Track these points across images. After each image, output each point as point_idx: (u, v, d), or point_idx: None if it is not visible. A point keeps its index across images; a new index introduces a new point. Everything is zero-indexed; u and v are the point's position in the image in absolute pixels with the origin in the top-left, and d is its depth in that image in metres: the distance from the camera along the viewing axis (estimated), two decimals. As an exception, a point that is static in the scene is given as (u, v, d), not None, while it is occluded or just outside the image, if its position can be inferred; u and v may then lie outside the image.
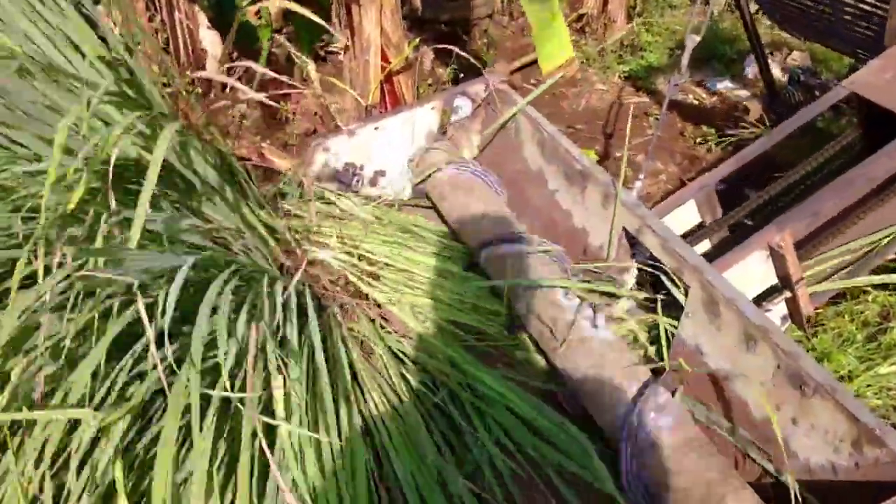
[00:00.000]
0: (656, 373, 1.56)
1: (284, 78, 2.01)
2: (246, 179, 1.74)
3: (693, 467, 1.35)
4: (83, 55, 1.60)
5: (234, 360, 1.14)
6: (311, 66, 2.49)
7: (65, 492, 1.10)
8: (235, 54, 3.95)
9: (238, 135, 3.21)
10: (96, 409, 1.09)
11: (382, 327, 1.73)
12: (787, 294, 1.75)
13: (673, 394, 1.48)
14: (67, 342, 1.10)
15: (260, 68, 1.88)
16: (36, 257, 1.11)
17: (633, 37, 4.72)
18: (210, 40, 3.66)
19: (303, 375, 1.31)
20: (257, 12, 3.54)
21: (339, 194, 2.05)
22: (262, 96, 1.77)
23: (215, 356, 1.16)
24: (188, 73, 3.54)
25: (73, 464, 1.06)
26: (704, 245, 2.25)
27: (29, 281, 1.14)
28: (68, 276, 1.09)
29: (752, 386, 1.41)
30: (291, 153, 2.89)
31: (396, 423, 1.47)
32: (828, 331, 2.38)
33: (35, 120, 1.44)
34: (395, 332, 1.73)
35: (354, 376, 1.55)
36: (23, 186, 1.33)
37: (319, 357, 1.36)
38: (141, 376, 1.17)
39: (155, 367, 1.06)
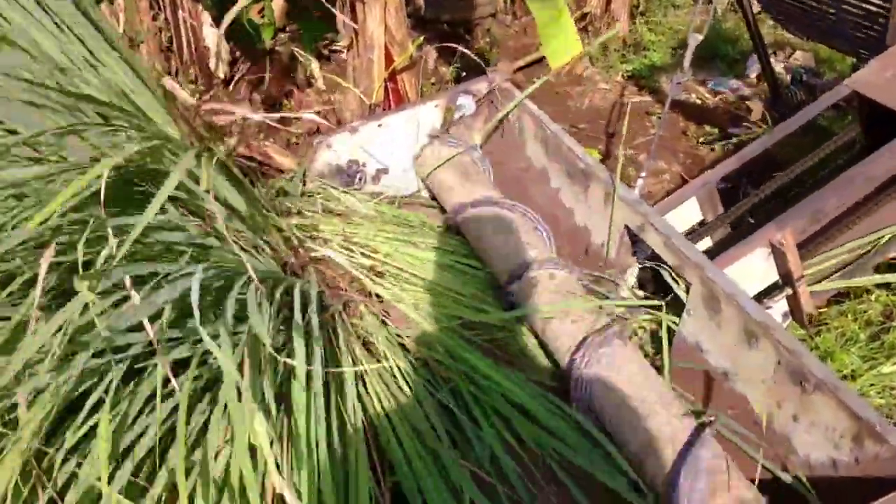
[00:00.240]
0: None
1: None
2: (248, 178, 1.75)
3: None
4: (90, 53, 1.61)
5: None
6: (314, 65, 2.51)
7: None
8: (238, 53, 3.96)
9: (241, 133, 3.22)
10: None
11: (385, 322, 1.74)
12: (788, 291, 1.76)
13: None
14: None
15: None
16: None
17: (637, 36, 4.73)
18: (213, 39, 3.67)
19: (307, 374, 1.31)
20: (260, 10, 3.55)
21: (343, 191, 2.06)
22: (275, 115, 1.80)
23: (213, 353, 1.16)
24: (191, 72, 3.56)
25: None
26: (706, 242, 2.26)
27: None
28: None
29: (752, 383, 1.41)
30: (295, 151, 2.90)
31: (400, 417, 1.48)
32: (831, 330, 2.38)
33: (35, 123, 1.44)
34: (398, 328, 1.74)
35: (358, 372, 1.56)
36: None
37: (321, 352, 1.37)
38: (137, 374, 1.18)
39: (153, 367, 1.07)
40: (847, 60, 4.01)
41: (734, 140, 3.55)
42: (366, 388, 1.55)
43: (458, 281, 1.86)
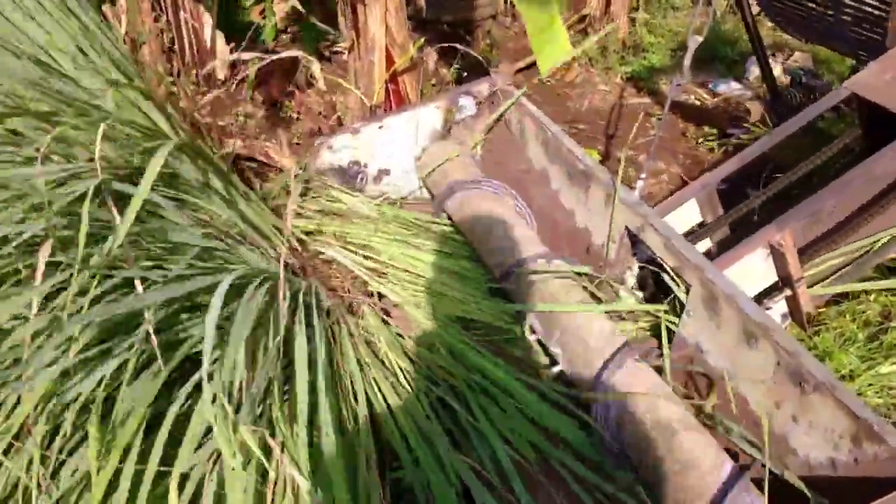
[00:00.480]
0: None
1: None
2: (249, 179, 1.76)
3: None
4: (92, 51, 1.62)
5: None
6: (315, 66, 2.51)
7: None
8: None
9: (243, 135, 3.23)
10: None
11: (386, 323, 1.75)
12: (788, 292, 1.77)
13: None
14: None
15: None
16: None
17: (636, 38, 4.74)
18: (215, 40, 3.68)
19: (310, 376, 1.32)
20: (262, 12, 3.56)
21: (344, 192, 2.07)
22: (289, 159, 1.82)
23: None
24: (193, 72, 3.57)
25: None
26: (705, 244, 2.27)
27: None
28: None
29: (751, 383, 1.42)
30: (296, 153, 2.91)
31: (403, 415, 1.49)
32: (829, 330, 2.39)
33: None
34: (401, 329, 1.75)
35: (362, 372, 1.57)
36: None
37: (326, 353, 1.38)
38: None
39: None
40: (846, 62, 4.02)
41: (733, 141, 3.56)
42: (368, 387, 1.55)
43: (459, 282, 1.87)
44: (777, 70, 4.09)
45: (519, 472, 1.44)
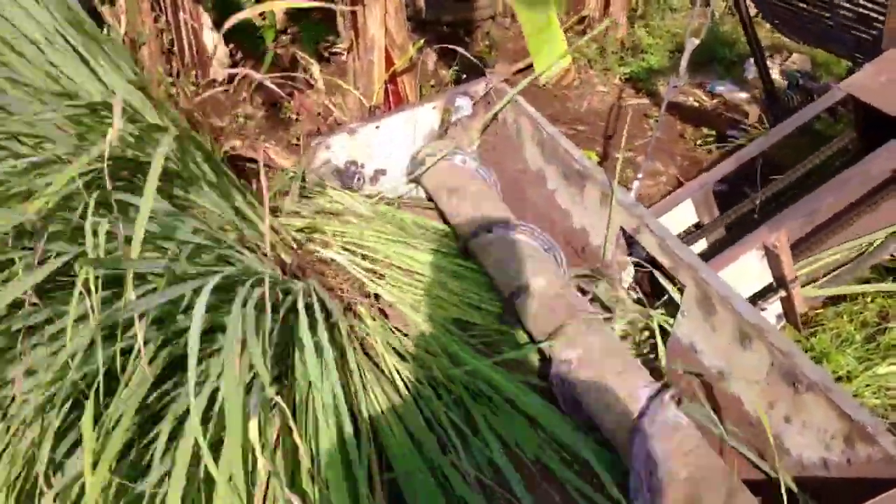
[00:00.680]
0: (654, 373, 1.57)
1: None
2: (247, 179, 1.77)
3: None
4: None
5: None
6: (315, 67, 2.52)
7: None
8: (239, 55, 3.98)
9: (242, 135, 3.24)
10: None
11: (384, 323, 1.75)
12: (782, 293, 1.77)
13: (679, 403, 1.45)
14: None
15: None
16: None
17: (635, 39, 4.75)
18: (214, 41, 3.69)
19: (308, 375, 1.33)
20: (261, 13, 3.57)
21: (341, 192, 2.08)
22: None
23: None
24: (193, 73, 3.58)
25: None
26: (701, 245, 2.28)
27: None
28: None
29: (746, 384, 1.43)
30: (295, 153, 2.92)
31: (398, 416, 1.49)
32: (826, 331, 2.39)
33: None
34: (397, 329, 1.75)
35: (358, 373, 1.57)
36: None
37: (327, 356, 1.38)
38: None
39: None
40: (843, 64, 4.03)
41: (731, 143, 3.56)
42: (365, 388, 1.56)
43: (456, 282, 1.87)
44: (775, 72, 4.09)
45: (517, 474, 1.44)
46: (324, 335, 1.35)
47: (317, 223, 1.91)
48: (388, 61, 2.67)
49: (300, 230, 1.90)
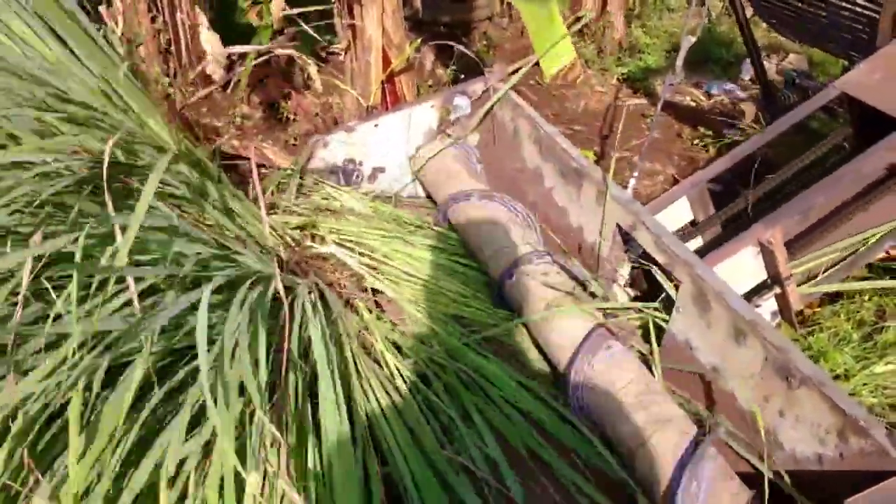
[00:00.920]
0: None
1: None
2: (245, 178, 1.78)
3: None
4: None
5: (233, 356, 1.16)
6: (312, 68, 2.53)
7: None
8: (236, 55, 3.98)
9: (240, 135, 3.24)
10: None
11: (380, 318, 1.76)
12: (777, 290, 1.78)
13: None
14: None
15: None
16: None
17: (632, 39, 4.76)
18: (211, 41, 3.69)
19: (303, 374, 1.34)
20: (259, 13, 3.57)
21: (339, 190, 2.09)
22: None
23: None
24: (190, 74, 3.58)
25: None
26: (696, 242, 2.28)
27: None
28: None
29: (740, 379, 1.44)
30: (293, 153, 2.92)
31: (395, 414, 1.50)
32: (824, 330, 2.39)
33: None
34: (395, 325, 1.76)
35: (356, 368, 1.58)
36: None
37: (322, 350, 1.39)
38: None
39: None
40: (840, 63, 4.04)
41: (728, 142, 3.58)
42: (362, 383, 1.56)
43: (453, 279, 1.88)
44: (771, 72, 4.11)
45: (512, 466, 1.45)
46: (324, 330, 1.36)
47: (314, 220, 1.91)
48: (386, 61, 2.67)
49: (298, 227, 1.90)
